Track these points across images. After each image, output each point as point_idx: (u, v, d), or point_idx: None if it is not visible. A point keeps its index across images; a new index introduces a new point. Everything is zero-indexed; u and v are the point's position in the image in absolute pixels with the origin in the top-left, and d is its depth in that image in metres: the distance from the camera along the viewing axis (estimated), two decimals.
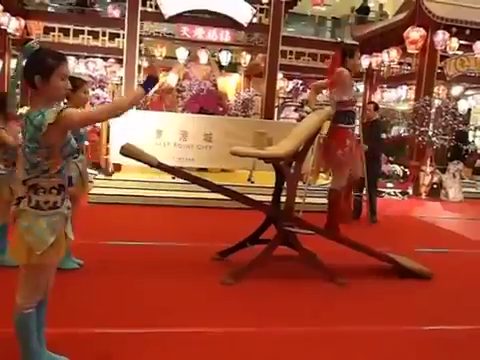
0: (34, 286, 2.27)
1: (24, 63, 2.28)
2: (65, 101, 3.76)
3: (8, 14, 10.81)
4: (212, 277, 3.98)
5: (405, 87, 12.30)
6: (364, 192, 6.97)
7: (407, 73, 12.59)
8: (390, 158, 11.05)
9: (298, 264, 4.30)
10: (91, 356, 2.67)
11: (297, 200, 4.67)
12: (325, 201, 7.64)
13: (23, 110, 8.55)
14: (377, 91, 13.40)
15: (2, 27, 10.96)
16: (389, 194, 9.93)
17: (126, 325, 3.09)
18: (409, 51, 10.67)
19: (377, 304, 3.81)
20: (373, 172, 6.92)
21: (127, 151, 3.82)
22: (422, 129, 10.40)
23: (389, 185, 10.14)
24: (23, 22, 11.62)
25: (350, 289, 4.04)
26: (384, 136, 7.04)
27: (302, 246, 4.19)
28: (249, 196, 4.57)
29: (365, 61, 13.01)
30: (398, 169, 10.53)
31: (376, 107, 7.26)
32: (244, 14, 10.52)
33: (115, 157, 7.04)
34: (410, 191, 10.27)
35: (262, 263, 4.12)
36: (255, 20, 10.76)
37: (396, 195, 10.02)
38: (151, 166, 3.92)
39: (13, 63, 12.63)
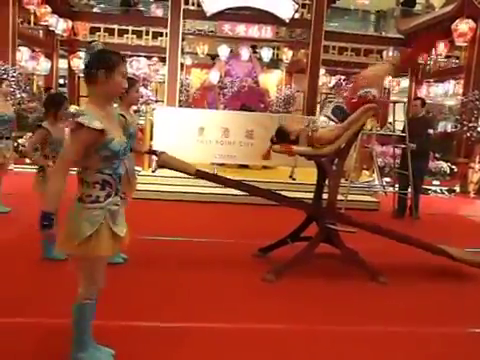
0: (87, 278, 2.33)
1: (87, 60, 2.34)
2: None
3: (56, 16, 11.19)
4: (253, 274, 3.99)
5: (453, 81, 11.89)
6: (409, 189, 6.80)
7: (455, 67, 12.18)
8: (436, 155, 10.72)
9: (340, 262, 4.25)
10: (136, 349, 2.74)
11: (339, 197, 4.62)
12: (368, 198, 7.59)
13: (72, 109, 8.85)
14: (423, 86, 13.03)
15: (50, 28, 11.37)
16: (435, 192, 9.65)
17: (169, 319, 3.14)
18: (457, 44, 10.31)
19: (420, 303, 3.72)
20: (420, 169, 6.74)
21: (164, 162, 3.85)
22: (471, 125, 10.05)
23: (435, 182, 9.85)
24: (70, 23, 12.02)
25: (393, 288, 3.95)
26: (432, 132, 6.80)
27: (344, 244, 4.14)
28: (290, 193, 4.55)
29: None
30: (445, 166, 10.19)
31: (423, 103, 7.07)
32: (286, 10, 10.47)
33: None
34: (457, 189, 9.94)
35: (303, 261, 4.10)
36: (297, 15, 10.69)
37: (443, 193, 9.72)
38: (189, 175, 3.97)
39: (61, 63, 13.08)
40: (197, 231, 5.38)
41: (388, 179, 9.42)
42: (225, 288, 3.76)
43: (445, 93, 12.35)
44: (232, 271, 4.10)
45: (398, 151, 7.27)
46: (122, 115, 3.71)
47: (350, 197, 6.81)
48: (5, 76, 9.51)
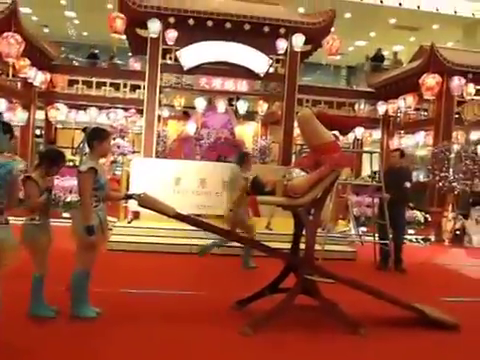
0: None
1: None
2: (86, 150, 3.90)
3: (35, 68, 11.30)
4: (230, 327, 3.89)
5: (423, 133, 12.32)
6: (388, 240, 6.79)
7: (424, 119, 12.67)
8: (410, 204, 10.92)
9: (319, 314, 4.19)
10: None
11: (316, 247, 4.62)
12: (345, 248, 7.60)
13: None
14: (394, 137, 13.44)
15: (29, 80, 11.44)
16: (411, 241, 9.74)
17: None
18: (425, 97, 10.76)
19: (402, 356, 3.66)
20: (398, 220, 6.77)
21: (144, 202, 3.87)
22: (442, 174, 10.32)
23: (410, 231, 9.97)
24: (49, 76, 12.13)
25: (373, 340, 3.90)
26: (408, 184, 6.77)
27: (322, 295, 4.10)
28: (267, 243, 4.54)
29: (381, 107, 13.15)
30: (419, 215, 10.36)
31: (402, 154, 7.12)
32: (261, 64, 10.82)
33: (134, 205, 7.10)
34: (432, 238, 10.07)
35: (282, 313, 4.02)
36: (271, 70, 11.04)
37: (418, 242, 9.82)
38: (168, 216, 3.95)
39: (38, 114, 13.10)
40: (172, 283, 5.27)
41: (364, 228, 9.50)
42: (202, 343, 3.64)
43: (416, 144, 12.76)
44: (209, 324, 3.99)
45: (376, 201, 7.35)
46: (92, 168, 3.72)
47: (327, 247, 6.81)
48: None
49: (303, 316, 4.22)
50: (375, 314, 4.43)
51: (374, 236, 7.08)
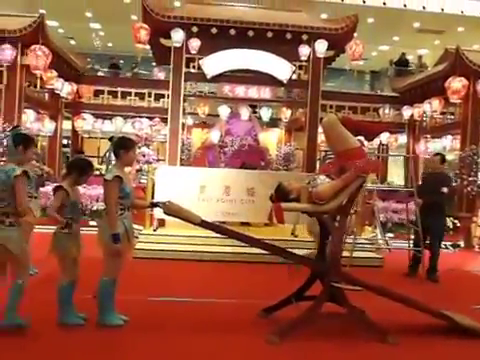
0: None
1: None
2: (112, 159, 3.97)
3: (61, 79, 11.56)
4: (257, 335, 3.87)
5: (450, 137, 12.08)
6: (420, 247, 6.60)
7: (451, 122, 12.43)
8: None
9: (346, 322, 4.14)
10: None
11: (345, 254, 4.56)
12: (371, 255, 7.50)
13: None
14: (421, 141, 13.23)
15: (56, 92, 11.71)
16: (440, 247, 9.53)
17: None
18: (452, 101, 10.57)
19: None
20: (436, 227, 6.58)
21: (170, 210, 3.90)
22: (470, 179, 10.10)
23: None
24: (75, 86, 12.39)
25: (401, 348, 3.82)
26: (446, 190, 6.56)
27: (350, 303, 4.04)
28: (293, 250, 4.51)
29: (407, 112, 12.97)
30: (448, 221, 10.14)
31: (443, 159, 6.89)
32: (284, 71, 10.82)
33: (159, 213, 7.15)
34: (461, 244, 9.85)
35: (308, 321, 3.98)
36: (294, 77, 11.03)
37: (447, 248, 9.60)
38: (194, 224, 3.97)
39: (66, 124, 13.38)
40: (199, 291, 5.28)
41: (391, 235, 9.35)
42: (228, 351, 3.64)
43: (443, 148, 12.51)
44: (235, 333, 3.98)
45: (411, 206, 7.17)
46: (118, 176, 3.77)
47: (353, 254, 6.73)
48: None
49: (330, 324, 4.17)
50: (404, 322, 4.34)
51: (409, 243, 6.94)
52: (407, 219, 7.28)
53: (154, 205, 4.37)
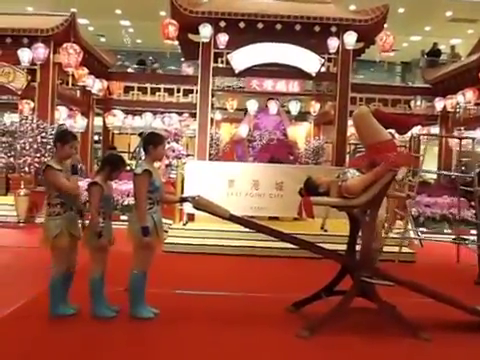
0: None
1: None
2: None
3: (92, 76, 11.76)
4: (287, 330, 3.87)
5: None
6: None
7: None
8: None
9: (377, 317, 4.09)
10: None
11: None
12: (404, 250, 7.36)
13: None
14: (454, 133, 12.90)
15: (87, 88, 11.93)
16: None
17: None
18: None
19: None
20: None
21: (199, 205, 3.93)
22: None
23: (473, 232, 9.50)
24: (105, 83, 12.58)
25: (435, 345, 3.75)
26: None
27: (380, 298, 3.99)
28: (322, 245, 4.48)
29: (439, 104, 12.66)
30: None
31: None
32: (312, 64, 10.69)
33: (189, 207, 7.22)
34: None
35: (339, 316, 3.95)
36: (323, 69, 10.89)
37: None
38: (223, 218, 3.99)
39: (97, 120, 13.62)
40: (229, 285, 5.30)
41: (424, 229, 9.16)
42: (259, 345, 3.65)
43: (478, 141, 12.16)
44: (265, 327, 3.99)
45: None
46: (147, 170, 3.82)
47: (385, 248, 6.62)
48: (44, 134, 9.96)
49: (361, 319, 4.13)
50: (438, 318, 4.25)
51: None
52: (458, 215, 6.93)
53: (184, 200, 4.41)
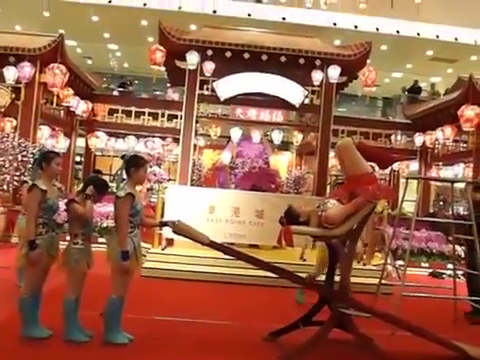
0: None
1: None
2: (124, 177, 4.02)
3: (77, 97, 11.75)
4: (264, 359, 3.82)
5: (462, 164, 12.03)
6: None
7: (463, 150, 12.38)
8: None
9: (355, 349, 4.07)
10: None
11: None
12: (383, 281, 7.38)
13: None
14: (432, 169, 13.17)
15: (71, 109, 11.90)
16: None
17: None
18: (465, 129, 10.55)
19: None
20: None
21: (179, 229, 3.92)
22: None
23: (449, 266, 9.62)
24: (90, 105, 12.58)
25: None
26: None
27: (358, 329, 3.99)
28: (301, 275, 4.48)
29: (419, 139, 12.96)
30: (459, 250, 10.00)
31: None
32: (296, 96, 10.89)
33: (168, 232, 7.17)
34: None
35: (316, 346, 3.93)
36: (307, 101, 11.09)
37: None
38: (203, 244, 3.98)
39: (79, 141, 13.54)
40: (206, 312, 5.24)
41: (401, 262, 9.23)
42: None
43: (455, 176, 12.44)
44: (241, 356, 3.94)
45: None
46: (130, 193, 3.82)
47: (363, 280, 6.66)
48: (25, 152, 9.85)
49: (337, 350, 4.11)
50: (415, 351, 4.26)
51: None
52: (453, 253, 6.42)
53: (164, 224, 4.38)
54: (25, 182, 5.68)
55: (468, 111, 10.26)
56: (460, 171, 12.12)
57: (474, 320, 5.63)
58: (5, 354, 3.61)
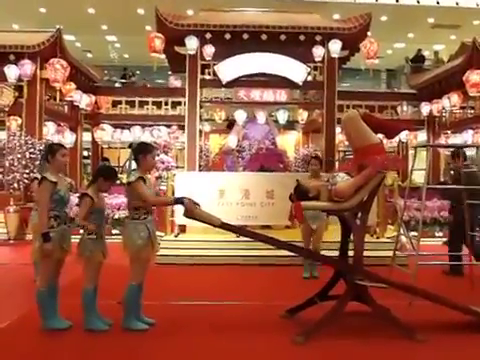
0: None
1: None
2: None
3: (80, 91, 11.75)
4: (282, 336, 3.86)
5: (471, 131, 11.89)
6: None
7: (471, 117, 12.23)
8: None
9: (372, 320, 4.09)
10: None
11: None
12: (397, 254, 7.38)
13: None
14: (441, 137, 13.05)
15: (75, 103, 11.91)
16: None
17: None
18: (471, 94, 10.41)
19: None
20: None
21: (191, 213, 3.91)
22: None
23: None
24: (93, 98, 12.58)
25: (431, 346, 3.75)
26: None
27: (374, 301, 4.00)
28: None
29: (425, 108, 12.82)
30: None
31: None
32: (298, 73, 10.79)
33: (180, 219, 7.20)
34: None
35: (333, 320, 3.95)
36: (310, 78, 10.99)
37: None
38: (214, 226, 3.98)
39: (85, 135, 13.57)
40: (222, 294, 5.29)
41: (415, 233, 9.21)
42: (253, 352, 3.63)
43: (464, 143, 12.31)
44: (260, 334, 3.97)
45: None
46: (141, 177, 3.83)
47: (377, 253, 6.66)
48: (32, 150, 9.90)
49: (355, 323, 4.13)
50: (433, 319, 4.27)
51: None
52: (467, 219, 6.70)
53: (177, 202, 4.20)
54: (36, 178, 5.72)
55: (473, 76, 10.12)
56: (469, 138, 11.99)
57: None
58: (27, 347, 3.68)
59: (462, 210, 5.71)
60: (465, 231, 5.74)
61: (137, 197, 3.87)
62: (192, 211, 3.85)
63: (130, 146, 4.13)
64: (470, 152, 10.15)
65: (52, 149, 3.97)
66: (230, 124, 14.00)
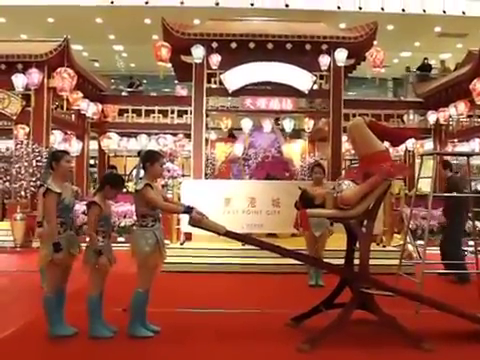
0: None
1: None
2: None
3: (87, 100, 11.84)
4: (288, 344, 3.83)
5: (478, 139, 11.84)
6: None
7: (478, 125, 12.18)
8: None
9: (378, 328, 4.06)
10: None
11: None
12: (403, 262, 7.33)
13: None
14: (448, 146, 13.00)
15: (82, 112, 11.99)
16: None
17: None
18: (478, 103, 10.38)
19: None
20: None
21: (196, 221, 3.91)
22: None
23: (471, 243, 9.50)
24: (100, 106, 12.66)
25: (438, 356, 3.71)
26: None
27: (380, 309, 3.97)
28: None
29: (432, 117, 12.79)
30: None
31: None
32: (304, 82, 10.82)
33: (186, 226, 7.21)
34: None
35: (339, 328, 3.92)
36: (316, 87, 11.01)
37: None
38: (219, 235, 3.97)
39: (92, 144, 13.64)
40: (228, 302, 5.27)
41: (421, 242, 9.15)
42: (260, 359, 3.61)
43: (471, 152, 12.25)
44: (266, 342, 3.95)
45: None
46: (148, 184, 3.85)
47: (384, 262, 6.62)
48: (39, 158, 9.97)
49: (361, 331, 4.10)
50: (440, 328, 4.22)
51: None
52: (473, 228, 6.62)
53: (187, 211, 4.18)
54: (41, 185, 5.78)
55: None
56: (476, 146, 11.93)
57: None
58: (33, 353, 3.68)
59: (453, 218, 5.80)
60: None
61: (145, 204, 3.89)
62: (199, 221, 3.85)
63: (139, 153, 4.16)
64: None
65: (56, 156, 4.00)
66: (231, 134, 14.08)
